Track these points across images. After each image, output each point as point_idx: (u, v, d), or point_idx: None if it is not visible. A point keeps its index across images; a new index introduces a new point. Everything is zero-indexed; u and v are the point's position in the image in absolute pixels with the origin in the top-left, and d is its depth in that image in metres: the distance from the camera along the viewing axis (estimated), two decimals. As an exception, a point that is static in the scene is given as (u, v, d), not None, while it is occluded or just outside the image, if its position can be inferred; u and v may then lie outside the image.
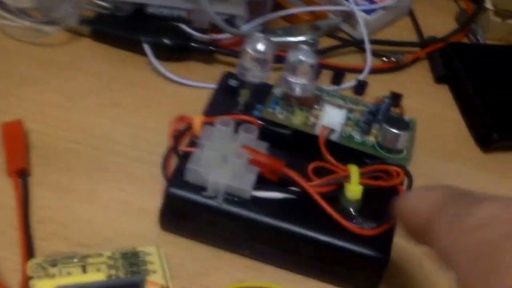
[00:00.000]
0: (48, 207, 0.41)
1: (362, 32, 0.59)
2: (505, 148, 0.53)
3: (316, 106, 0.45)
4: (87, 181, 0.43)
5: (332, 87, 0.46)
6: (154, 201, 0.41)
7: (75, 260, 0.38)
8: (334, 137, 0.43)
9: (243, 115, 0.43)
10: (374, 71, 0.58)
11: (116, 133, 0.47)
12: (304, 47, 0.41)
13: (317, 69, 0.45)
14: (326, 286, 0.41)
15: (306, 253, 0.40)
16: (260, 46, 0.41)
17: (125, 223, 0.42)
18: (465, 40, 0.64)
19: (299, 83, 0.42)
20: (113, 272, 0.38)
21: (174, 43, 0.52)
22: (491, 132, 0.52)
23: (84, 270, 0.37)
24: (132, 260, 0.39)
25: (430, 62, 0.60)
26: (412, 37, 0.63)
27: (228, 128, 0.40)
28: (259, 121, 0.43)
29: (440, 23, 0.64)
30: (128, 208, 0.43)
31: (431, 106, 0.56)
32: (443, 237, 0.29)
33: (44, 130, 0.46)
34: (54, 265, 0.37)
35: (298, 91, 0.43)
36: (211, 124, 0.41)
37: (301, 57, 0.41)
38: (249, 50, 0.41)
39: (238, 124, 0.41)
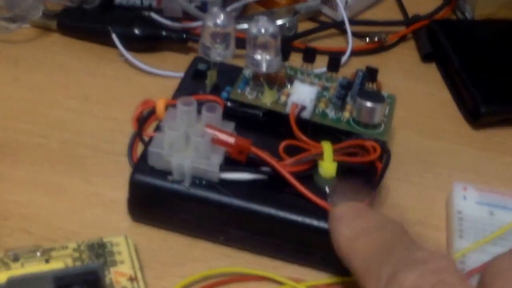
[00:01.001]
0: (12, 203, 0.40)
1: (342, 13, 0.57)
2: (494, 124, 0.51)
3: (288, 85, 0.43)
4: (54, 175, 0.42)
5: (305, 66, 0.44)
6: (124, 192, 0.40)
7: (38, 253, 0.36)
8: (306, 114, 0.41)
9: (208, 95, 0.41)
10: (358, 52, 0.56)
11: (84, 126, 0.46)
12: (264, 17, 0.39)
13: (287, 49, 0.43)
14: (306, 270, 0.39)
15: (281, 236, 0.38)
16: (219, 20, 0.39)
17: (94, 216, 0.40)
18: (453, 18, 0.63)
19: (264, 58, 0.41)
20: (78, 264, 0.36)
21: (144, 32, 0.51)
22: (479, 106, 0.50)
23: (48, 263, 0.36)
24: (99, 251, 0.37)
25: (416, 40, 0.59)
26: (398, 17, 0.62)
27: (190, 108, 0.38)
28: (225, 101, 0.41)
29: (427, 3, 0.62)
30: (97, 200, 0.41)
31: (418, 84, 0.55)
32: None
33: (10, 126, 0.45)
34: (16, 259, 0.36)
35: (264, 67, 0.41)
36: (174, 106, 0.40)
37: (261, 28, 0.40)
38: (209, 24, 0.40)
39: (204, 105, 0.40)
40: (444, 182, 0.45)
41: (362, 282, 0.33)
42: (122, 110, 0.47)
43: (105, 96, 0.48)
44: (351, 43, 0.56)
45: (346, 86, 0.43)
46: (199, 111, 0.39)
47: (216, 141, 0.38)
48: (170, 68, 0.51)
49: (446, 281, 0.29)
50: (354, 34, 0.57)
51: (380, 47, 0.57)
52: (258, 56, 0.41)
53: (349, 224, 0.35)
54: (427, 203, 0.44)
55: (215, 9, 0.40)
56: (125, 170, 0.40)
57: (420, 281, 0.29)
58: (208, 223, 0.39)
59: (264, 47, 0.40)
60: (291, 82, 0.43)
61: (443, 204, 0.44)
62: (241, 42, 0.42)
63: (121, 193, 0.40)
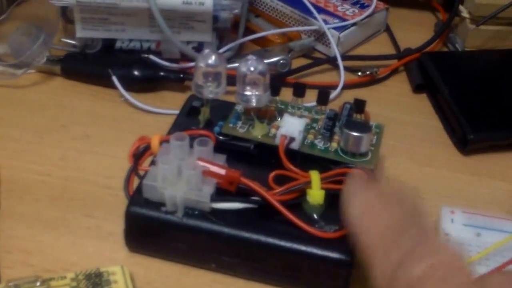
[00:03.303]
0: (15, 237, 0.42)
1: (334, 49, 0.59)
2: (483, 150, 0.53)
3: (278, 119, 0.45)
4: (55, 210, 0.44)
5: (296, 101, 0.46)
6: (121, 224, 0.41)
7: (38, 283, 0.38)
8: (295, 145, 0.43)
9: (200, 130, 0.43)
10: (350, 86, 0.58)
11: (85, 164, 0.48)
12: (253, 57, 0.42)
13: (277, 85, 0.46)
14: (296, 294, 0.41)
15: (272, 262, 0.40)
16: (210, 60, 0.42)
17: (92, 248, 0.42)
18: (444, 50, 0.64)
19: (253, 94, 0.43)
20: (76, 293, 0.38)
21: (143, 74, 0.54)
22: (467, 134, 0.52)
23: (48, 293, 0.38)
24: (96, 280, 0.39)
25: (407, 73, 0.61)
26: (391, 51, 0.64)
27: (183, 143, 0.40)
28: (217, 135, 0.43)
29: (420, 37, 0.64)
30: (96, 233, 0.43)
31: (409, 115, 0.56)
32: (378, 280, 0.31)
33: (15, 166, 0.47)
34: (17, 290, 0.38)
35: (254, 103, 0.43)
36: (168, 142, 0.42)
37: (250, 67, 0.42)
38: (201, 65, 0.42)
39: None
40: (434, 207, 0.46)
41: (370, 261, 0.32)
42: (121, 147, 0.48)
43: (105, 134, 0.51)
44: (343, 77, 0.58)
45: (334, 118, 0.45)
46: (191, 146, 0.41)
47: (207, 173, 0.39)
48: (168, 106, 0.53)
49: (453, 277, 0.29)
50: (347, 69, 0.59)
51: (372, 80, 0.59)
52: (248, 93, 0.43)
53: (359, 200, 0.35)
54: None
55: (206, 51, 0.43)
56: (122, 204, 0.42)
57: (428, 274, 0.29)
58: (201, 251, 0.41)
59: (253, 84, 0.42)
60: (281, 116, 0.45)
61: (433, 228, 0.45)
62: (235, 79, 0.44)
63: (119, 226, 0.42)
